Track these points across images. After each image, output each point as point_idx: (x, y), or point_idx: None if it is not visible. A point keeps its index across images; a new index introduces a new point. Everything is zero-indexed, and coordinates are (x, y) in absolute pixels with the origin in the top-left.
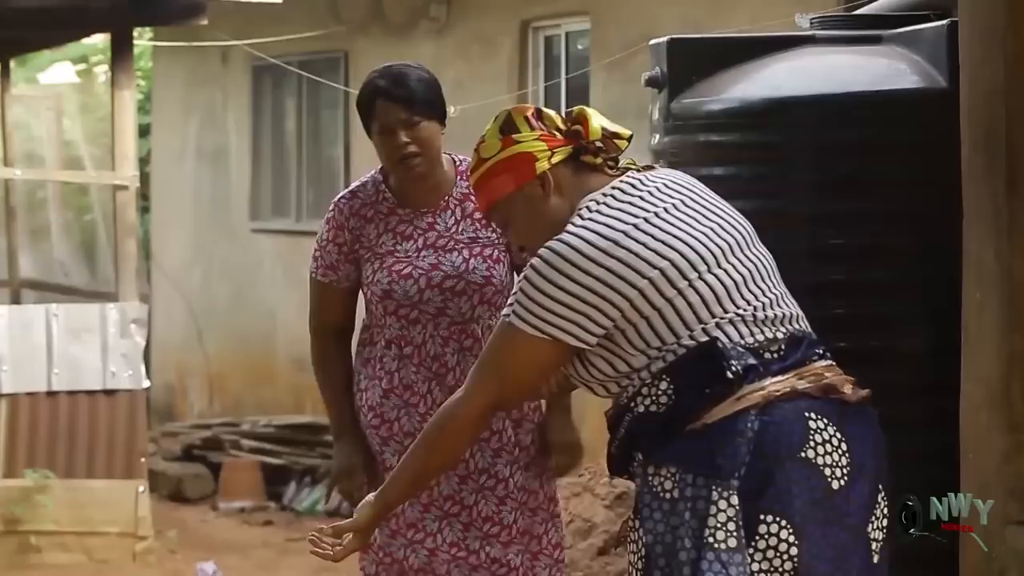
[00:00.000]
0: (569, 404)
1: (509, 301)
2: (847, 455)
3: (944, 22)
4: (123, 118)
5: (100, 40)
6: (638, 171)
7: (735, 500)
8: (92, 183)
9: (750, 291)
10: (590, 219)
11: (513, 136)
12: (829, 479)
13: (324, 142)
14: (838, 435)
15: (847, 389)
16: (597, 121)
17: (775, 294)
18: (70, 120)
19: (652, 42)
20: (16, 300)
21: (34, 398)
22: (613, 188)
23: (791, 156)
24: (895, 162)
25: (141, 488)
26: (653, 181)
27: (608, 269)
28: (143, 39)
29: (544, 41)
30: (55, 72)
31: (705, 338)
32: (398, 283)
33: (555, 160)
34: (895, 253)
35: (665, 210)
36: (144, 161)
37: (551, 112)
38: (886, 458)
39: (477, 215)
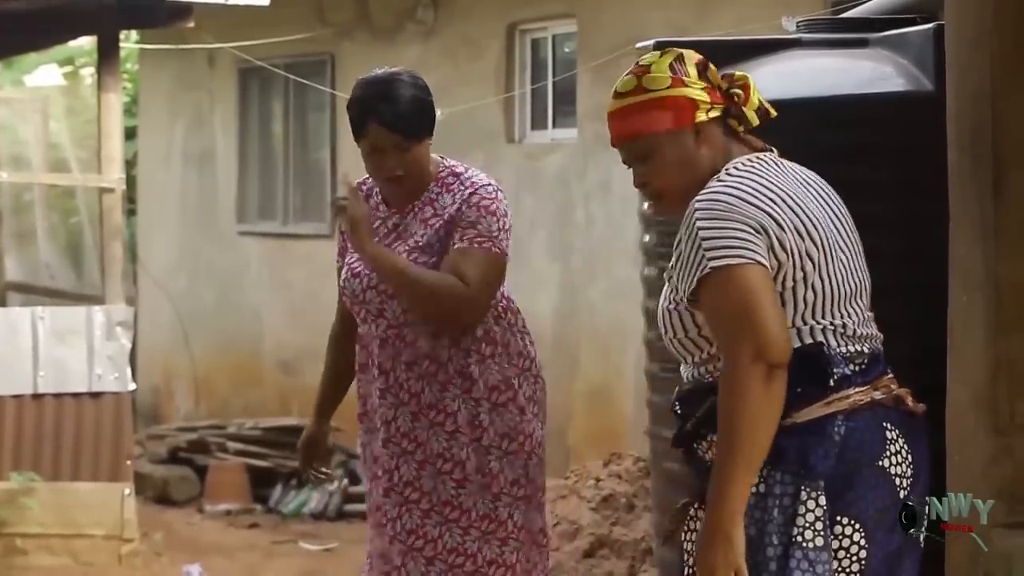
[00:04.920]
0: None
1: (696, 262)
2: (911, 466)
3: (930, 25)
4: (109, 121)
5: (86, 43)
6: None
7: (823, 500)
8: (78, 186)
9: (851, 306)
10: (746, 174)
11: (684, 78)
12: (898, 488)
13: (311, 145)
14: (906, 447)
15: (910, 401)
16: (757, 92)
17: (868, 315)
18: (56, 123)
19: (639, 45)
20: (2, 303)
21: (20, 400)
22: (760, 157)
23: None
24: (881, 165)
25: (127, 491)
26: (794, 171)
27: (767, 214)
28: (129, 42)
29: (531, 44)
30: (41, 75)
31: (810, 339)
32: (349, 280)
33: (712, 115)
34: (881, 256)
35: (807, 194)
36: (130, 164)
37: (713, 67)
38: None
39: (432, 221)
